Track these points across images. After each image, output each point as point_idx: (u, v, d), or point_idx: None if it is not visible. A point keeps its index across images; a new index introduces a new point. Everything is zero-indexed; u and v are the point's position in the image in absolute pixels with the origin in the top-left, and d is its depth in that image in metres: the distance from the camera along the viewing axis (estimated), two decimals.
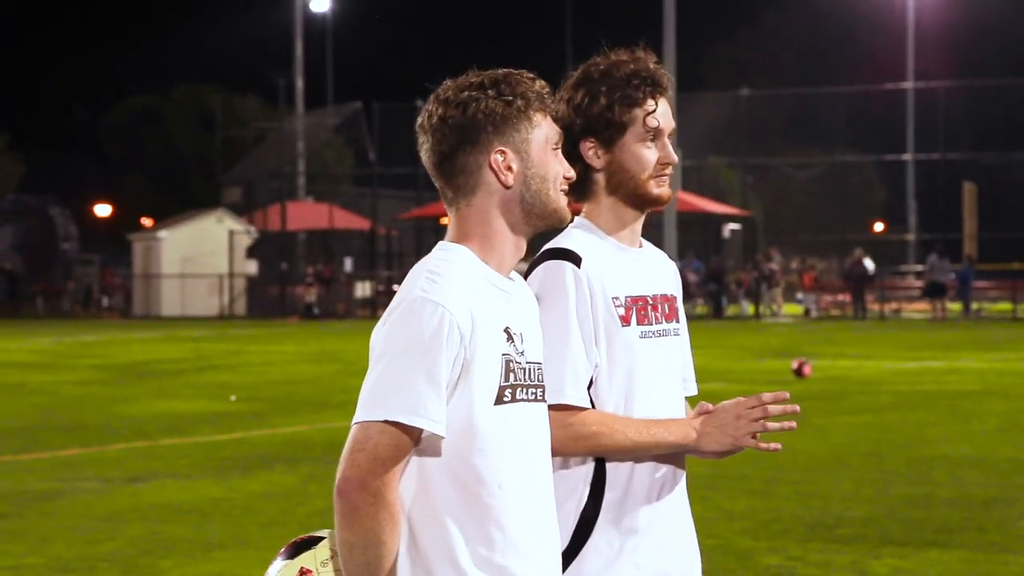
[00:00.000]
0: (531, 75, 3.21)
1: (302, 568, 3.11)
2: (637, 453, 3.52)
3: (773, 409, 3.55)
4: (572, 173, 3.25)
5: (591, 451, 3.42)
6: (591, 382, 3.54)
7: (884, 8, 64.54)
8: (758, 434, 3.55)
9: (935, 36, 65.30)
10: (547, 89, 3.21)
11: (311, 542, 3.14)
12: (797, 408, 3.58)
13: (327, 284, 49.29)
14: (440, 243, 3.20)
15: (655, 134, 3.59)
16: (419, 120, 3.19)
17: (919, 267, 50.73)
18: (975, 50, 66.25)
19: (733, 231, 51.67)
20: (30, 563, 8.82)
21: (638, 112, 3.57)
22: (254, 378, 22.18)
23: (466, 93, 3.14)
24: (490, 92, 3.14)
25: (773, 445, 3.63)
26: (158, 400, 18.78)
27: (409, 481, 3.06)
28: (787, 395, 3.60)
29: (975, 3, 71.55)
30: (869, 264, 48.29)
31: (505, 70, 3.20)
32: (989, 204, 51.43)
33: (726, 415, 3.55)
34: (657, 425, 3.52)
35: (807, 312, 46.52)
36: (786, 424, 3.59)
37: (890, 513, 10.14)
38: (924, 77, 56.60)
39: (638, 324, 3.58)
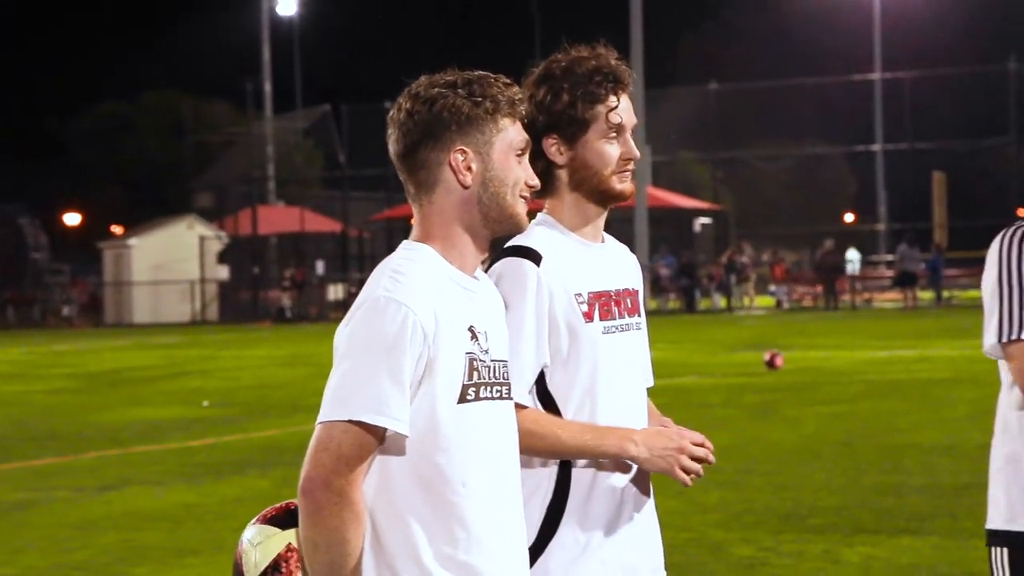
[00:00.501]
0: (507, 80, 3.22)
1: (290, 544, 3.11)
2: (568, 457, 3.54)
3: (700, 453, 3.59)
4: (536, 182, 3.24)
5: (523, 450, 3.44)
6: (545, 378, 3.56)
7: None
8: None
9: (902, 26, 65.47)
10: (520, 96, 3.21)
11: None
12: (712, 461, 3.62)
13: (299, 288, 49.23)
14: (404, 242, 3.21)
15: (617, 130, 3.61)
16: (390, 112, 3.21)
17: (890, 257, 50.93)
18: (941, 39, 66.46)
19: (704, 225, 51.80)
20: (4, 573, 8.81)
21: (600, 108, 3.59)
22: (227, 383, 22.15)
23: (436, 90, 3.15)
24: (460, 91, 3.14)
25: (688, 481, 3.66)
26: (131, 408, 18.74)
27: (373, 480, 3.07)
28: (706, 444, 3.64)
29: None
30: (854, 255, 48.53)
31: (481, 72, 3.21)
32: (958, 192, 51.65)
33: (671, 444, 3.58)
34: (593, 432, 3.53)
35: (779, 304, 46.67)
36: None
37: (862, 502, 10.20)
38: (891, 67, 56.73)
39: (601, 320, 3.60)
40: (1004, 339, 3.98)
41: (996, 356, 4.07)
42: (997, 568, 4.10)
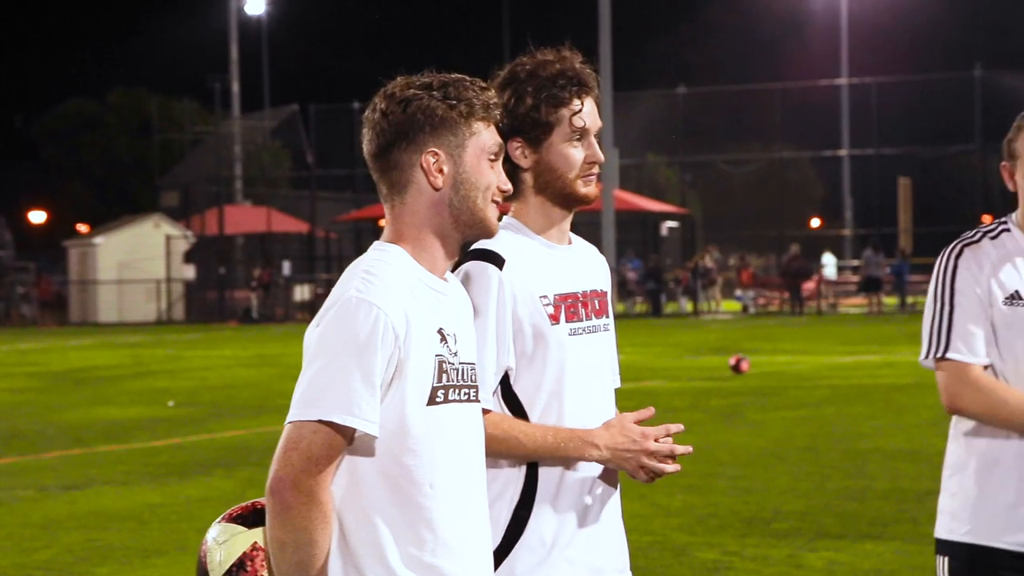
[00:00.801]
0: (483, 84, 3.22)
1: (255, 544, 3.12)
2: (528, 460, 3.56)
3: (663, 449, 3.61)
4: (508, 187, 3.25)
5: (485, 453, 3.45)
6: (510, 380, 3.58)
7: (818, 5, 64.90)
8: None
9: (869, 32, 65.82)
10: (495, 100, 3.22)
11: None
12: (688, 449, 3.65)
13: (266, 288, 49.09)
14: (375, 243, 3.22)
15: (581, 133, 3.63)
16: (365, 112, 3.22)
17: (855, 262, 51.11)
18: (908, 46, 66.88)
19: (671, 229, 51.85)
20: None
21: (564, 112, 3.61)
22: (192, 383, 22.08)
23: (411, 91, 3.16)
24: (435, 94, 3.15)
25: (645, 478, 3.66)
26: (95, 407, 18.66)
27: (341, 480, 3.08)
28: (680, 427, 3.66)
29: None
30: (830, 259, 48.63)
31: (458, 75, 3.21)
32: (924, 198, 51.87)
33: (634, 445, 3.59)
34: (554, 435, 3.54)
35: (745, 309, 46.77)
36: (669, 468, 3.64)
37: (826, 506, 10.25)
38: (858, 73, 56.95)
39: (567, 322, 3.62)
40: (929, 356, 4.11)
41: (930, 369, 4.16)
42: None
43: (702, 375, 21.57)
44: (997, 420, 4.03)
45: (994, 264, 4.08)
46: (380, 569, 3.08)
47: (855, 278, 48.77)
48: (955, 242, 4.15)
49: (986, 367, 4.07)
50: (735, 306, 47.96)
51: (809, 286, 46.24)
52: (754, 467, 12.12)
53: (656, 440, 3.60)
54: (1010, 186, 4.12)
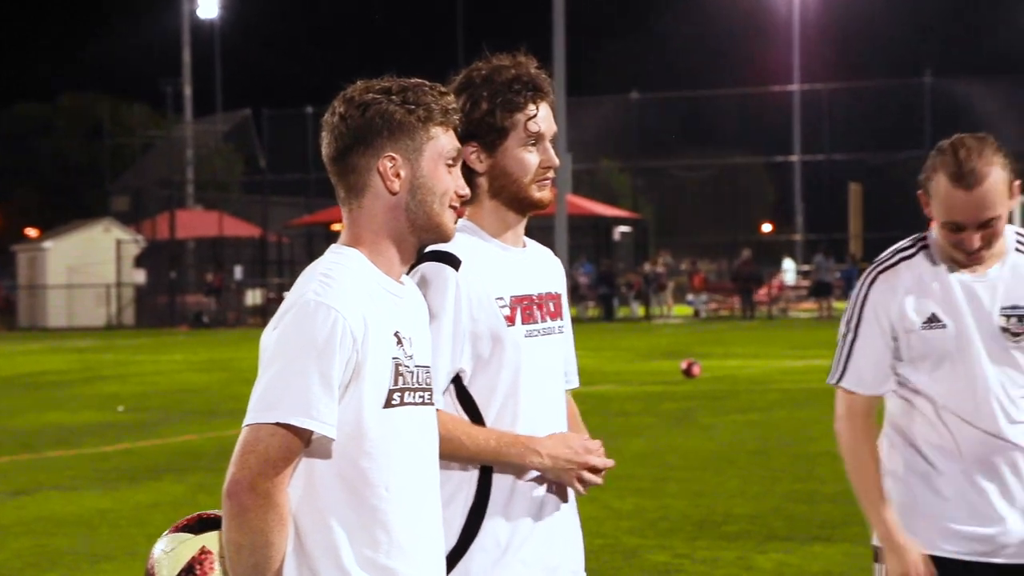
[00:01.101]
0: (442, 89, 3.24)
1: (204, 548, 3.11)
2: (472, 462, 3.58)
3: (600, 464, 3.66)
4: (466, 191, 3.28)
5: None
6: (464, 382, 3.60)
7: (770, 12, 65.24)
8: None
9: (820, 39, 66.18)
10: (453, 105, 3.24)
11: (219, 522, 3.11)
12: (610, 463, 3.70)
13: (217, 293, 48.91)
14: (332, 246, 3.23)
15: (536, 138, 3.65)
16: (325, 115, 3.22)
17: (806, 267, 51.40)
18: (859, 52, 67.31)
19: (624, 234, 52.01)
20: None
21: (519, 117, 3.63)
22: (142, 388, 21.98)
23: (370, 95, 3.17)
24: (393, 98, 3.17)
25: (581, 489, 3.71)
26: (44, 412, 18.54)
27: (298, 483, 3.09)
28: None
29: (858, 6, 72.54)
30: (790, 265, 48.83)
31: (417, 80, 3.23)
32: (874, 204, 52.20)
33: (576, 457, 3.63)
34: (498, 440, 3.57)
35: (696, 313, 46.94)
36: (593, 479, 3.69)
37: (776, 509, 10.31)
38: (810, 79, 57.29)
39: (523, 323, 3.64)
40: (830, 380, 4.31)
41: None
42: None
43: (654, 379, 21.64)
44: (848, 465, 4.25)
45: (908, 289, 4.15)
46: (335, 571, 3.09)
47: (806, 283, 49.05)
48: (872, 267, 4.23)
49: (882, 395, 4.23)
50: (687, 311, 48.13)
51: (763, 293, 46.48)
52: (705, 470, 12.17)
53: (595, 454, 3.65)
54: (927, 212, 4.15)
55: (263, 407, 3.02)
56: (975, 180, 3.97)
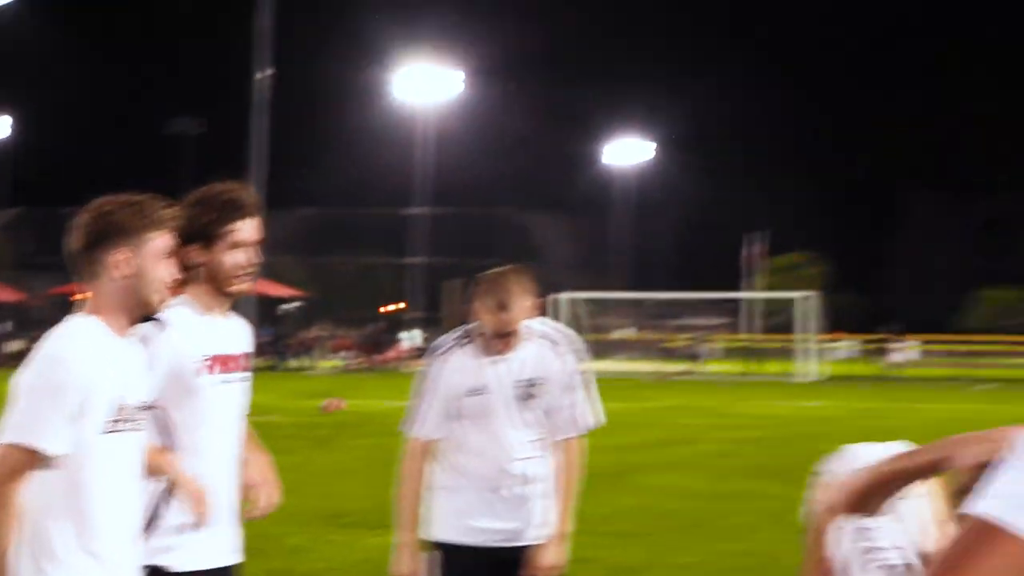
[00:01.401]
0: (166, 203, 3.15)
1: None
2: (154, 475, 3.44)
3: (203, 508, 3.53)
4: (176, 277, 3.17)
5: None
6: (167, 415, 3.51)
7: (398, 147, 65.54)
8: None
9: (434, 171, 67.39)
10: (172, 215, 3.14)
11: None
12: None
13: None
14: (76, 312, 3.12)
15: (243, 244, 3.59)
16: (75, 217, 3.13)
17: (421, 335, 52.44)
18: (457, 181, 68.12)
19: (296, 307, 52.03)
20: None
21: (230, 227, 3.56)
22: None
23: (109, 207, 3.09)
24: (128, 209, 3.08)
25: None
26: None
27: (31, 489, 2.96)
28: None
29: (464, 152, 74.20)
30: (416, 334, 49.57)
31: (149, 196, 3.16)
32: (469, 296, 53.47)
33: (201, 500, 3.49)
34: (164, 460, 3.47)
35: (345, 366, 47.16)
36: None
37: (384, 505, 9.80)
38: (424, 203, 58.54)
39: (216, 374, 3.55)
40: (403, 426, 4.16)
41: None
42: None
43: (309, 412, 21.21)
44: (399, 491, 4.10)
45: (456, 369, 4.10)
46: (51, 557, 2.98)
47: (421, 345, 49.94)
48: (432, 349, 4.19)
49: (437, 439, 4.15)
50: (338, 363, 48.23)
51: (390, 354, 47.29)
52: (338, 477, 12.25)
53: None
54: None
55: (11, 429, 2.91)
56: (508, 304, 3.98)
